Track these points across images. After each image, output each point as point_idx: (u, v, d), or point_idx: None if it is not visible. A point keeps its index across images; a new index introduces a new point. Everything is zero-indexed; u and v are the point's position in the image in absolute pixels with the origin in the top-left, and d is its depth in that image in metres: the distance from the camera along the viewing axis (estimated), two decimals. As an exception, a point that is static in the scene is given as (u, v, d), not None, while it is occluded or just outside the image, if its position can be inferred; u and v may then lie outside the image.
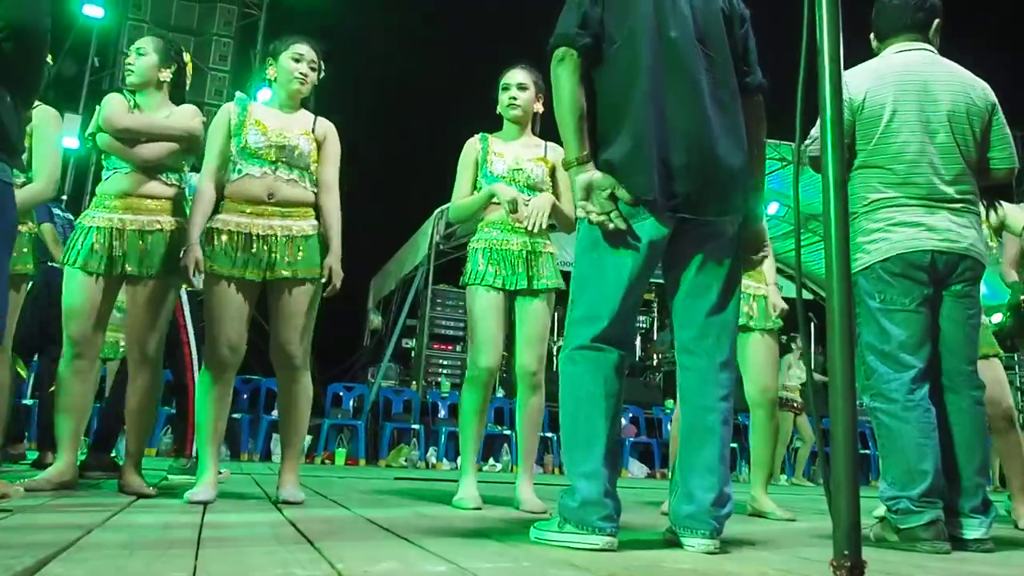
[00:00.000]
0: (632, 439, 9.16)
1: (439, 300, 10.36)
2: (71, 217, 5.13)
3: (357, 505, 2.89)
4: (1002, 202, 3.78)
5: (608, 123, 2.08)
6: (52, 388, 3.53)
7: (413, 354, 10.57)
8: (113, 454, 4.23)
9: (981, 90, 2.58)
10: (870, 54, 2.75)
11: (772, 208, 10.59)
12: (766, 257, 2.97)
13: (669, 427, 3.92)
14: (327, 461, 8.02)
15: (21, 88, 2.12)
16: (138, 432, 3.03)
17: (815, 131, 2.58)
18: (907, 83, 2.54)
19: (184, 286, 3.58)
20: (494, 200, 3.22)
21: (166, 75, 3.14)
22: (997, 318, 3.82)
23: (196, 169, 3.13)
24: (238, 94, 3.06)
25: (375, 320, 12.15)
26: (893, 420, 2.41)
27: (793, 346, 8.40)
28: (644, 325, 11.35)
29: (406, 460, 8.16)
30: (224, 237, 2.83)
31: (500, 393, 9.23)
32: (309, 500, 2.98)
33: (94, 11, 10.45)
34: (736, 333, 2.19)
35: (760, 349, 3.52)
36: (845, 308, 1.43)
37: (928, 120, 2.51)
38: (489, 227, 3.31)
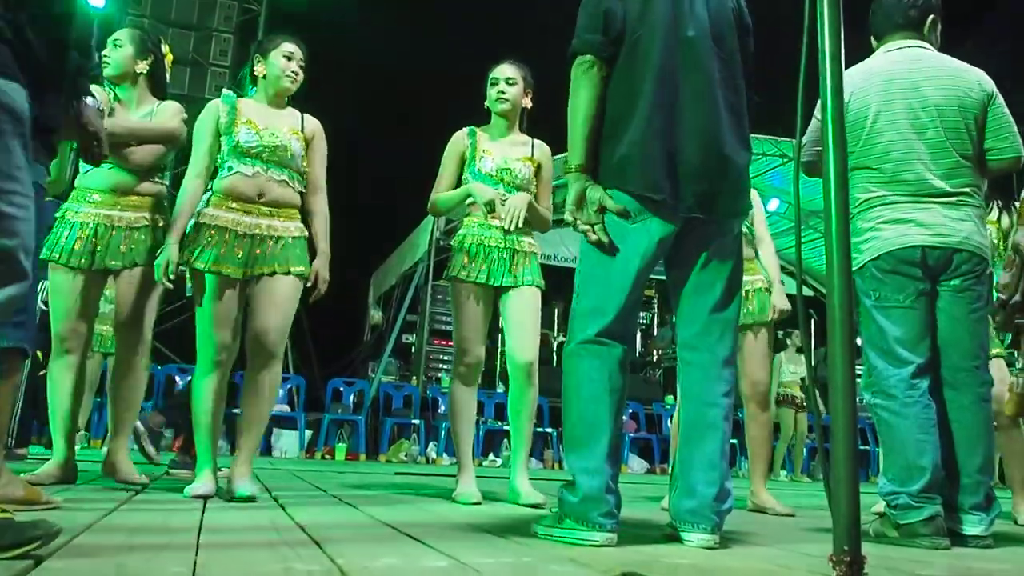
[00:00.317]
0: (632, 435, 9.18)
1: (439, 296, 10.36)
2: None
3: (357, 501, 2.90)
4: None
5: (619, 119, 2.07)
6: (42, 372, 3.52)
7: (413, 349, 10.58)
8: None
9: (975, 81, 2.56)
10: (871, 54, 2.75)
11: (773, 204, 10.59)
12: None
13: (669, 423, 3.93)
14: (327, 456, 8.03)
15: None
16: (126, 419, 3.03)
17: (807, 137, 2.59)
18: (894, 82, 2.54)
19: None
20: (471, 200, 3.22)
21: (142, 67, 3.13)
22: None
23: (182, 163, 3.13)
24: (225, 91, 3.04)
25: (375, 315, 12.17)
26: (892, 416, 2.41)
27: (788, 342, 8.41)
28: (644, 321, 11.35)
29: (406, 455, 8.17)
30: (211, 232, 2.80)
31: (500, 388, 9.24)
32: (309, 496, 2.99)
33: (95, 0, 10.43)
34: (737, 330, 2.20)
35: (753, 343, 3.54)
36: (846, 305, 1.43)
37: (916, 117, 2.51)
38: (474, 223, 3.31)
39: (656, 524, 2.39)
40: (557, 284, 5.94)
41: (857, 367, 1.74)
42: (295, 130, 2.95)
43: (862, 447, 9.22)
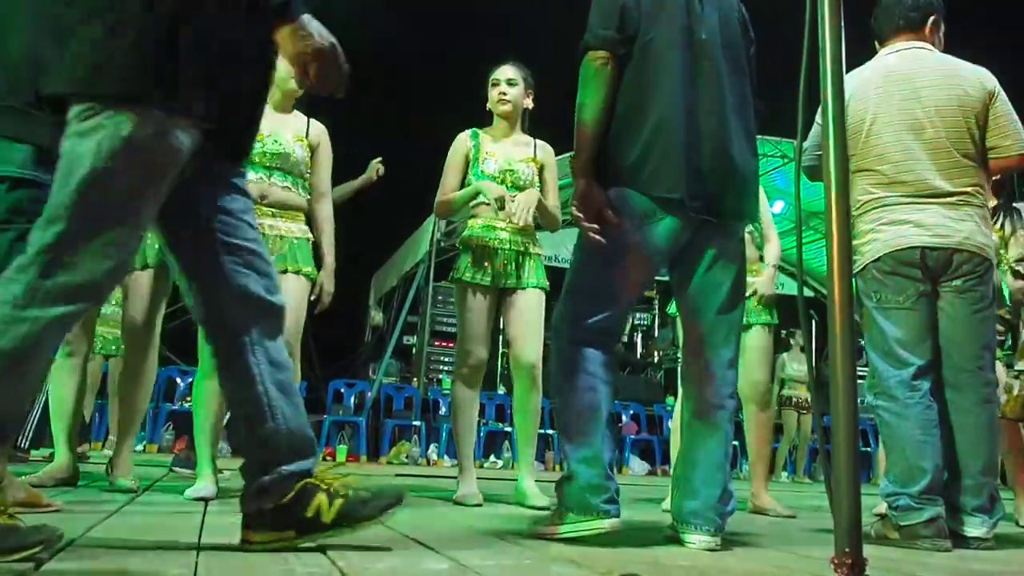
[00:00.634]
0: (633, 436, 9.16)
1: (440, 297, 10.35)
2: None
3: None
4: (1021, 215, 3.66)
5: (632, 119, 2.07)
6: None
7: (414, 351, 10.57)
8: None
9: (976, 80, 2.55)
10: (873, 55, 2.75)
11: (778, 207, 10.56)
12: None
13: (670, 424, 3.93)
14: (328, 458, 8.02)
15: None
16: (131, 421, 3.03)
17: (809, 142, 2.59)
18: (891, 84, 2.55)
19: None
20: (481, 199, 3.22)
21: None
22: None
23: None
24: None
25: (376, 317, 12.16)
26: (894, 417, 2.41)
27: (792, 342, 8.40)
28: (645, 322, 11.33)
29: (407, 457, 8.16)
30: None
31: (501, 390, 9.24)
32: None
33: None
34: (740, 331, 2.20)
35: (753, 344, 3.54)
36: (846, 306, 1.43)
37: (914, 118, 2.51)
38: (479, 224, 3.31)
39: (657, 526, 2.39)
40: (558, 285, 5.94)
41: (860, 369, 1.75)
42: (299, 136, 2.95)
43: (863, 448, 9.21)
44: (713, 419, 2.07)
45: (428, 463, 8.30)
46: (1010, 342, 3.66)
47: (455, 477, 3.31)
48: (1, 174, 1.98)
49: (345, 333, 13.17)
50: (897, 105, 2.52)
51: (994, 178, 2.68)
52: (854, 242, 2.54)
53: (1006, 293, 3.62)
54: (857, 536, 1.35)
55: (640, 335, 11.09)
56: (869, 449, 9.24)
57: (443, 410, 9.11)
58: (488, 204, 3.17)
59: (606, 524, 1.94)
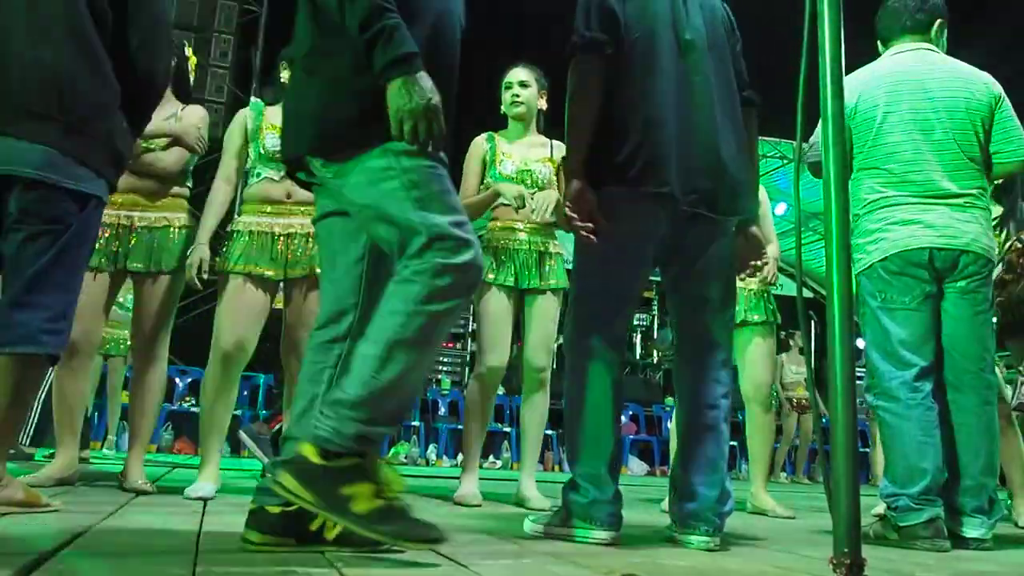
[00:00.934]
0: (632, 437, 9.17)
1: (440, 297, 10.34)
2: None
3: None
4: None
5: (621, 119, 2.07)
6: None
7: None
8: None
9: (983, 84, 2.56)
10: (874, 54, 2.75)
11: (780, 209, 10.55)
12: (766, 264, 3.00)
13: (669, 425, 3.93)
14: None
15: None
16: (143, 427, 3.02)
17: (813, 138, 2.58)
18: (900, 84, 2.54)
19: None
20: (501, 201, 3.22)
21: None
22: None
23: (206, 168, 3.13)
24: (253, 99, 3.07)
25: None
26: (894, 418, 2.41)
27: (792, 343, 8.40)
28: (644, 323, 11.34)
29: (406, 457, 8.16)
30: (245, 238, 2.85)
31: (500, 391, 9.23)
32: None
33: None
34: (733, 331, 2.20)
35: (756, 345, 3.54)
36: (845, 307, 1.43)
37: (924, 118, 2.51)
38: (499, 226, 3.32)
39: (656, 526, 2.39)
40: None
41: (858, 369, 1.74)
42: None
43: (862, 449, 9.22)
44: (707, 419, 2.07)
45: (427, 463, 8.30)
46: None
47: (454, 477, 3.31)
48: (17, 175, 2.00)
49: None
50: (907, 105, 2.52)
51: (996, 182, 2.69)
52: (859, 241, 2.54)
53: None
54: (856, 537, 1.35)
55: (639, 335, 11.09)
56: (867, 450, 9.25)
57: (442, 410, 9.11)
58: (508, 204, 3.18)
59: (606, 535, 1.96)
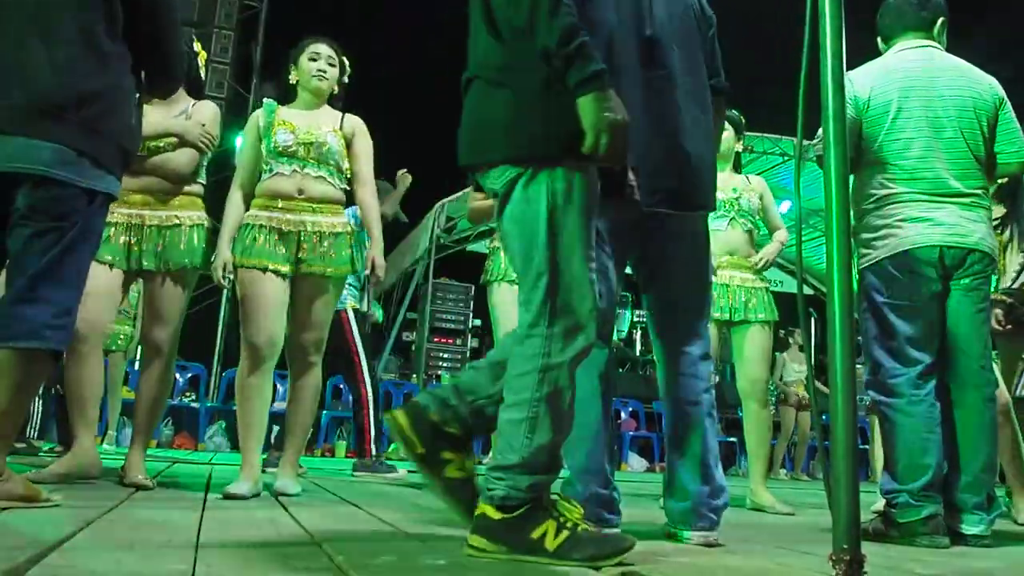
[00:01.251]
0: (632, 433, 9.17)
1: (439, 294, 10.37)
2: None
3: (357, 498, 2.90)
4: None
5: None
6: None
7: (414, 347, 10.58)
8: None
9: (988, 85, 2.57)
10: (874, 52, 2.75)
11: (784, 207, 10.54)
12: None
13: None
14: (327, 454, 8.03)
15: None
16: (146, 423, 3.02)
17: (822, 130, 2.58)
18: (912, 80, 2.54)
19: (350, 306, 4.41)
20: None
21: None
22: None
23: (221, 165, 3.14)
24: (266, 100, 3.08)
25: (375, 313, 12.16)
26: (897, 414, 2.41)
27: (791, 340, 8.40)
28: (646, 319, 11.34)
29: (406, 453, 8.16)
30: (256, 231, 2.85)
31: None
32: (309, 493, 2.99)
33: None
34: (708, 326, 2.20)
35: (754, 341, 3.55)
36: (846, 304, 1.43)
37: (935, 116, 2.50)
38: None
39: (656, 523, 2.39)
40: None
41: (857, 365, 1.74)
42: (334, 128, 2.98)
43: (862, 446, 9.22)
44: (692, 416, 2.08)
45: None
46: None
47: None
48: (26, 172, 2.01)
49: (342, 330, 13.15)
50: (919, 101, 2.52)
51: (1000, 181, 2.70)
52: (865, 236, 2.53)
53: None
54: (856, 533, 1.35)
55: (639, 332, 11.10)
56: (867, 447, 9.26)
57: (442, 407, 9.10)
58: None
59: (607, 532, 1.96)
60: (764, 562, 1.76)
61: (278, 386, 8.24)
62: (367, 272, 3.00)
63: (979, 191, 2.51)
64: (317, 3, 11.11)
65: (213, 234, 3.06)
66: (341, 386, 8.80)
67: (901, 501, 2.34)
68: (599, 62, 1.63)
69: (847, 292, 1.43)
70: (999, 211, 3.43)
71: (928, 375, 2.42)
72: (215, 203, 3.11)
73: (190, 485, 2.69)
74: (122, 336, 5.90)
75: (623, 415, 9.17)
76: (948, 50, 2.67)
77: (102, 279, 2.89)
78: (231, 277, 2.89)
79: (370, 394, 4.71)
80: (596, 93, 1.61)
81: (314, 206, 2.89)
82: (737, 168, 3.80)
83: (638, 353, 11.02)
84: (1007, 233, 3.60)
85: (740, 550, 1.98)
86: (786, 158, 10.05)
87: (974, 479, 2.40)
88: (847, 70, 1.56)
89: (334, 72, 3.05)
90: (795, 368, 8.28)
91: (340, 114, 3.06)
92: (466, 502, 1.69)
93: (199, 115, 3.10)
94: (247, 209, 2.94)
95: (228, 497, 2.59)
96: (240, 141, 3.09)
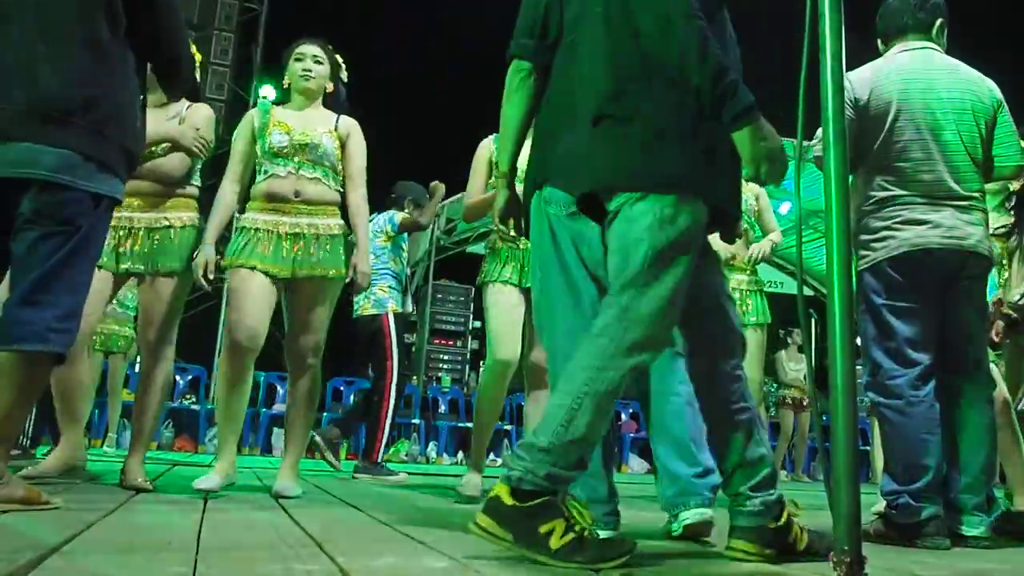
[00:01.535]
0: (632, 435, 9.17)
1: (440, 295, 10.37)
2: None
3: (358, 500, 2.90)
4: None
5: (557, 118, 2.09)
6: None
7: (414, 349, 10.57)
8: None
9: (987, 88, 2.57)
10: (873, 52, 2.75)
11: (784, 208, 10.52)
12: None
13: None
14: (327, 456, 8.02)
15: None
16: (145, 426, 3.02)
17: (821, 131, 2.58)
18: (911, 81, 2.54)
19: (391, 309, 4.49)
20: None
21: None
22: None
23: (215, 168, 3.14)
24: (261, 99, 3.08)
25: (412, 310, 12.17)
26: (897, 415, 2.41)
27: (789, 341, 8.40)
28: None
29: (407, 455, 8.17)
30: (251, 235, 2.84)
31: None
32: (309, 495, 2.99)
33: None
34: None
35: (749, 344, 3.56)
36: (846, 305, 1.43)
37: (934, 118, 2.50)
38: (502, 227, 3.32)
39: (656, 524, 2.39)
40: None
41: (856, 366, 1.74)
42: (329, 130, 2.98)
43: (862, 447, 9.22)
44: (671, 407, 2.15)
45: (428, 461, 8.31)
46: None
47: (455, 475, 3.33)
48: (31, 177, 2.02)
49: (345, 331, 13.16)
50: (918, 103, 2.51)
51: (1012, 187, 2.71)
52: (864, 237, 2.53)
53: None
54: (856, 534, 1.35)
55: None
56: (867, 448, 9.26)
57: (442, 408, 9.12)
58: None
59: (604, 534, 1.95)
60: (764, 563, 1.76)
61: (279, 388, 8.26)
62: (348, 279, 2.96)
63: (977, 193, 2.51)
64: (317, 5, 11.12)
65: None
66: (341, 388, 8.81)
67: (901, 502, 2.34)
68: (749, 95, 1.68)
69: (847, 293, 1.43)
70: (1007, 220, 3.43)
71: (927, 376, 2.42)
72: (212, 205, 3.09)
73: (190, 488, 2.69)
74: (123, 338, 5.91)
75: (623, 416, 9.17)
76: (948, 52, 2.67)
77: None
78: (212, 277, 2.86)
79: (392, 401, 4.75)
80: (752, 126, 1.67)
81: (311, 208, 2.89)
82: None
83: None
84: (1013, 240, 3.60)
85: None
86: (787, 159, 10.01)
87: (974, 480, 2.40)
88: (846, 71, 1.56)
89: (322, 70, 3.03)
90: (792, 368, 8.27)
91: (335, 115, 3.05)
92: (599, 550, 1.61)
93: (193, 118, 3.08)
94: (240, 210, 2.93)
95: (199, 490, 2.63)
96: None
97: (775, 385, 8.36)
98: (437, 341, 10.26)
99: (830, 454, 1.41)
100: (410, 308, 5.07)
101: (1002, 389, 3.38)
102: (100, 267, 2.91)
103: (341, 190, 3.00)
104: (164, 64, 2.36)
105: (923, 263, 2.43)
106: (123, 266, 2.94)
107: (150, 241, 2.96)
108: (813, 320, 9.68)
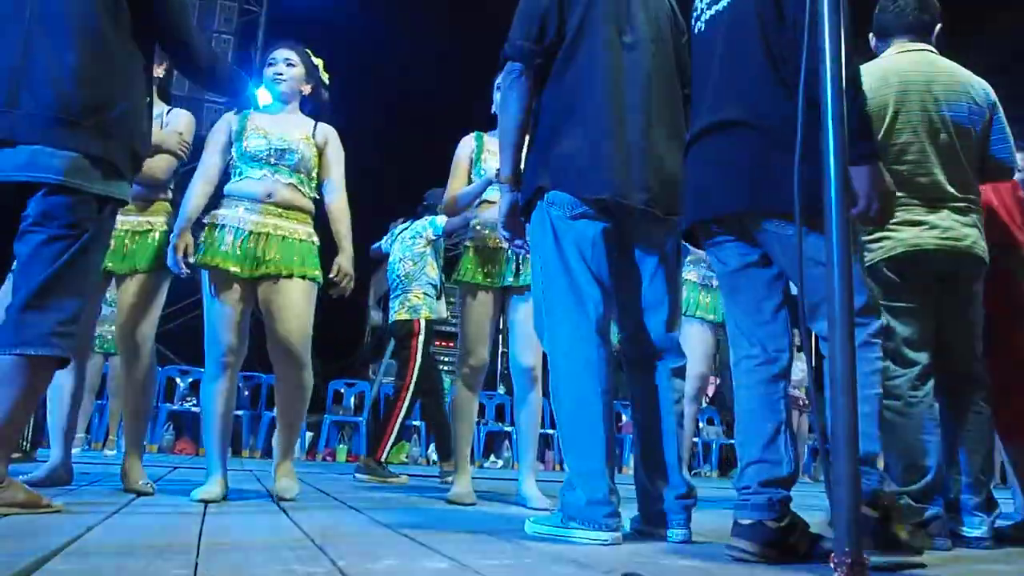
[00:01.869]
0: (632, 436, 9.17)
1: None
2: None
3: (358, 502, 2.90)
4: None
5: (559, 125, 2.11)
6: None
7: (413, 351, 10.55)
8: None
9: (982, 90, 2.57)
10: (871, 54, 2.75)
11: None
12: None
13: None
14: (328, 458, 8.03)
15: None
16: (136, 426, 3.02)
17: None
18: (909, 84, 2.54)
19: (424, 316, 4.70)
20: (487, 198, 3.26)
21: (158, 71, 3.13)
22: None
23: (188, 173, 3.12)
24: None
25: (375, 317, 12.13)
26: (896, 416, 2.41)
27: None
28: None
29: (407, 457, 8.17)
30: (220, 231, 2.81)
31: (501, 390, 9.24)
32: (310, 498, 2.99)
33: None
34: (678, 330, 2.28)
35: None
36: (846, 305, 1.43)
37: (931, 120, 2.50)
38: (480, 226, 3.32)
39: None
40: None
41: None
42: (307, 136, 2.96)
43: (863, 447, 9.19)
44: (666, 426, 2.17)
45: (428, 462, 8.30)
46: None
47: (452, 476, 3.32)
48: (39, 180, 2.02)
49: (345, 334, 13.16)
50: (916, 105, 2.51)
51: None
52: (863, 238, 2.53)
53: None
54: (857, 536, 1.35)
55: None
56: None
57: (443, 409, 9.09)
58: (494, 203, 3.21)
59: (607, 536, 1.96)
60: (765, 564, 1.76)
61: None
62: (333, 276, 2.94)
63: (972, 195, 2.52)
64: (316, 8, 11.11)
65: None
66: (342, 390, 8.81)
67: (902, 503, 2.34)
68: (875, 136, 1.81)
69: (847, 293, 1.43)
70: None
71: (926, 376, 2.42)
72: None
73: (191, 490, 2.69)
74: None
75: (624, 418, 9.16)
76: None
77: None
78: (192, 261, 2.82)
79: (406, 404, 4.81)
80: (877, 164, 1.77)
81: (281, 211, 2.87)
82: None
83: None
84: None
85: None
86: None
87: (974, 479, 2.41)
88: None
89: (294, 72, 3.00)
90: (798, 367, 8.27)
91: (313, 122, 3.03)
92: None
93: (175, 123, 3.12)
94: (214, 206, 2.91)
95: (200, 500, 2.60)
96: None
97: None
98: (437, 343, 10.23)
99: (830, 455, 1.41)
100: (444, 313, 5.09)
101: None
102: None
103: (316, 197, 2.98)
104: (179, 49, 2.35)
105: (920, 264, 2.44)
106: (106, 266, 2.95)
107: (132, 243, 2.99)
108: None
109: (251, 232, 2.81)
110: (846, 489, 1.36)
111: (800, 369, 8.27)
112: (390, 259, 5.04)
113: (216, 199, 2.94)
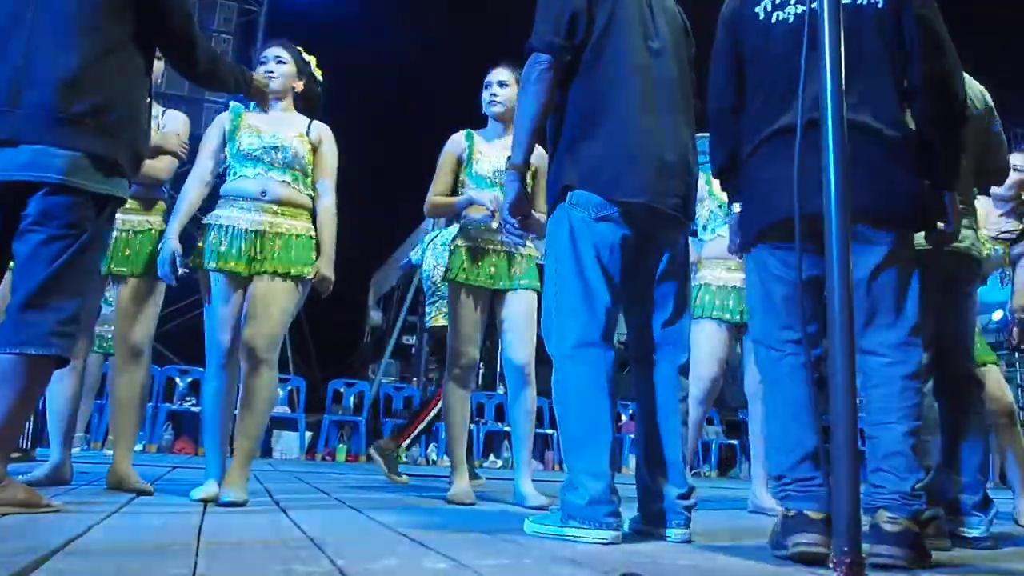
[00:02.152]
0: (632, 435, 9.17)
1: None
2: None
3: (358, 502, 2.90)
4: None
5: (587, 124, 2.12)
6: None
7: (413, 351, 10.58)
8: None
9: (980, 94, 2.58)
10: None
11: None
12: None
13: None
14: (328, 458, 8.02)
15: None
16: (128, 426, 3.01)
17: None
18: None
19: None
20: (475, 205, 3.27)
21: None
22: (998, 315, 3.80)
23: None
24: (232, 103, 3.05)
25: (375, 317, 12.15)
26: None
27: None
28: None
29: (406, 457, 8.17)
30: (216, 232, 2.80)
31: (501, 390, 9.23)
32: (309, 497, 2.98)
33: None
34: (688, 332, 2.29)
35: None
36: (846, 304, 1.43)
37: None
38: (471, 226, 3.32)
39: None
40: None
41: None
42: (300, 134, 2.95)
43: (861, 448, 9.19)
44: (670, 425, 2.17)
45: (428, 462, 8.30)
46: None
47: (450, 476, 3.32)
48: (40, 180, 2.02)
49: (345, 333, 13.18)
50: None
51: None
52: None
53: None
54: (856, 535, 1.35)
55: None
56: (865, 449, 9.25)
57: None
58: (483, 207, 3.21)
59: (608, 535, 1.96)
60: (765, 564, 1.76)
61: (279, 391, 8.26)
62: (311, 278, 2.91)
63: (970, 198, 2.54)
64: (316, 7, 11.12)
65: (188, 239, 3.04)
66: (342, 390, 8.81)
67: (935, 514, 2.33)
68: None
69: (847, 292, 1.44)
70: (1015, 225, 3.44)
71: (925, 376, 2.42)
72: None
73: (190, 490, 2.69)
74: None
75: (624, 417, 9.17)
76: None
77: None
78: (180, 271, 2.81)
79: (440, 406, 4.79)
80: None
81: (277, 208, 2.85)
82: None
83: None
84: (1020, 247, 3.61)
85: (741, 552, 1.98)
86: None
87: (973, 479, 2.42)
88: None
89: (284, 69, 2.96)
90: None
91: (307, 120, 3.01)
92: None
93: (171, 125, 3.14)
94: (210, 207, 2.91)
95: (199, 500, 2.61)
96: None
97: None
98: (437, 343, 10.24)
99: (830, 455, 1.41)
100: None
101: (1006, 391, 3.39)
102: None
103: (312, 194, 2.96)
104: (183, 53, 2.36)
105: (921, 265, 2.43)
106: (104, 270, 2.95)
107: (134, 243, 3.01)
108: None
109: (248, 231, 2.80)
110: (846, 489, 1.36)
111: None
112: (423, 267, 5.00)
113: (212, 200, 2.94)
